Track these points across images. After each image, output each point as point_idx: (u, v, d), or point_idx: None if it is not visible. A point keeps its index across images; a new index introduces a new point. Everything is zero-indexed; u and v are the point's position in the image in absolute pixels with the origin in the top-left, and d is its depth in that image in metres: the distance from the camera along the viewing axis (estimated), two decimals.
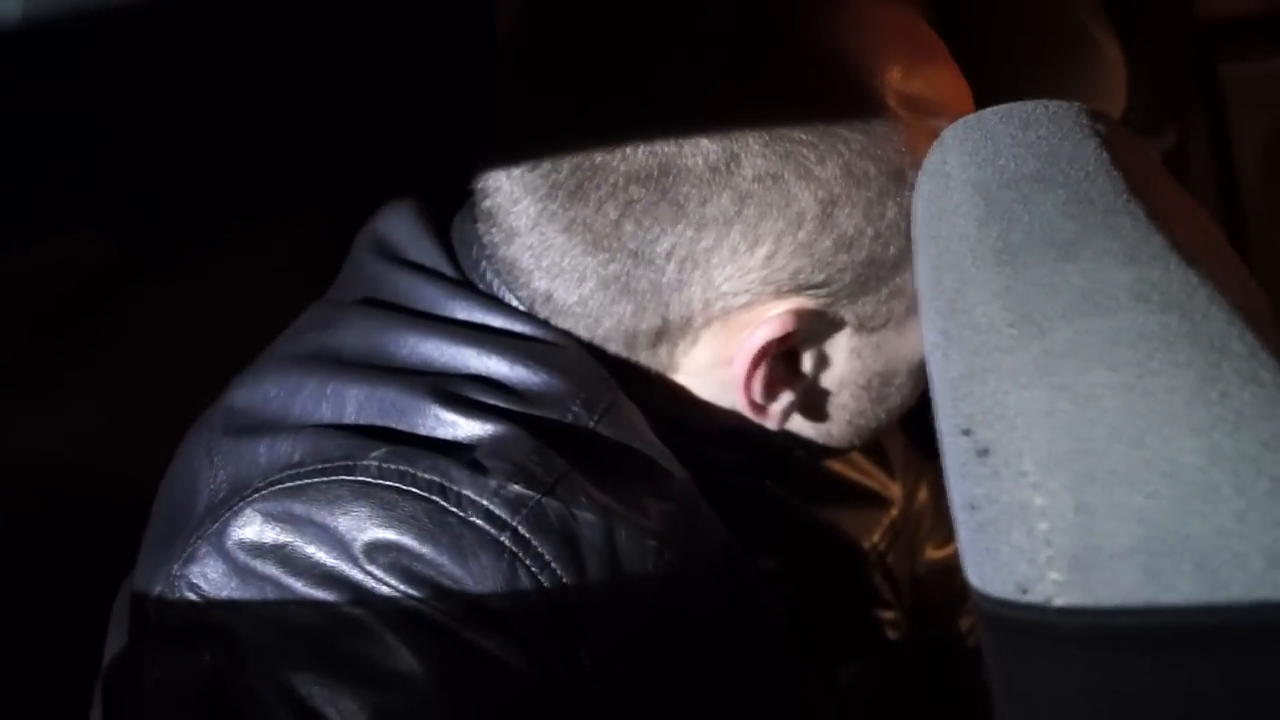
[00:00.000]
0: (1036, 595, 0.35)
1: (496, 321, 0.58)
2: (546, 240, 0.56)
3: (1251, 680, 0.34)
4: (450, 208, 0.65)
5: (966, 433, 0.38)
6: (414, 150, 1.08)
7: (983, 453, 0.37)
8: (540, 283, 0.57)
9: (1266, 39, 1.38)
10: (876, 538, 0.77)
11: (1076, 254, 0.37)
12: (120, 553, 0.65)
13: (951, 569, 0.86)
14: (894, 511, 0.79)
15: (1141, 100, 1.34)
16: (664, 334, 0.58)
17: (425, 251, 0.61)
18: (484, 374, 0.56)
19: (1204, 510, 0.33)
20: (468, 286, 0.60)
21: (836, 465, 0.75)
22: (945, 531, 0.89)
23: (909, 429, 0.81)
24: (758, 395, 0.59)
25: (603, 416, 0.55)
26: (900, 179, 0.55)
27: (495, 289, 0.59)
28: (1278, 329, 0.48)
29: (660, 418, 0.58)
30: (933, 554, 0.87)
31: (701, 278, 0.56)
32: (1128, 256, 0.36)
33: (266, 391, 0.59)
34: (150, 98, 0.83)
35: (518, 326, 0.58)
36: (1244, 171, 1.39)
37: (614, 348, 0.58)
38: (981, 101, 0.64)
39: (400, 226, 0.63)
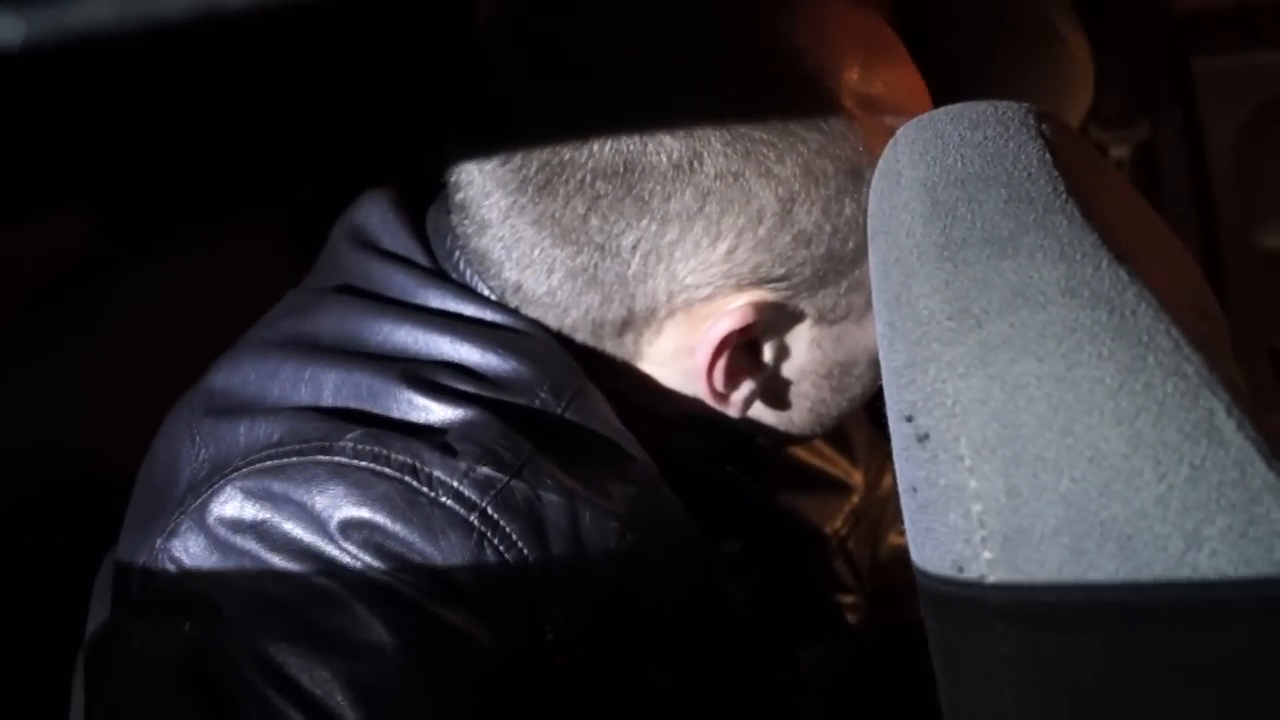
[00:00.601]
0: (971, 573, 0.37)
1: (468, 310, 0.60)
2: (517, 233, 0.58)
3: (1170, 653, 0.36)
4: (425, 198, 0.67)
5: (909, 419, 0.40)
6: (390, 138, 1.10)
7: (923, 438, 0.39)
8: (511, 273, 0.59)
9: (1238, 32, 1.40)
10: (838, 523, 0.79)
11: (1013, 251, 0.39)
12: (102, 528, 0.66)
13: None
14: (855, 498, 0.81)
15: (1114, 93, 1.36)
16: (629, 324, 0.60)
17: (400, 241, 0.63)
18: (455, 360, 0.58)
19: (1126, 494, 0.35)
20: (441, 276, 0.61)
21: (799, 452, 0.77)
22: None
23: (875, 418, 0.82)
24: (719, 384, 0.61)
25: (569, 403, 0.57)
26: (858, 177, 0.57)
27: (468, 279, 0.61)
28: (1223, 323, 0.50)
29: (626, 404, 0.60)
30: (896, 540, 0.89)
31: (665, 270, 0.58)
32: (1060, 254, 0.38)
33: (245, 374, 0.61)
34: (136, 86, 0.84)
35: (489, 315, 0.59)
36: (1215, 163, 1.41)
37: (581, 336, 0.60)
38: (948, 99, 0.66)
39: (376, 216, 0.65)
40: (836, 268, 0.59)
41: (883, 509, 0.88)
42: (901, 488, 0.41)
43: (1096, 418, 0.36)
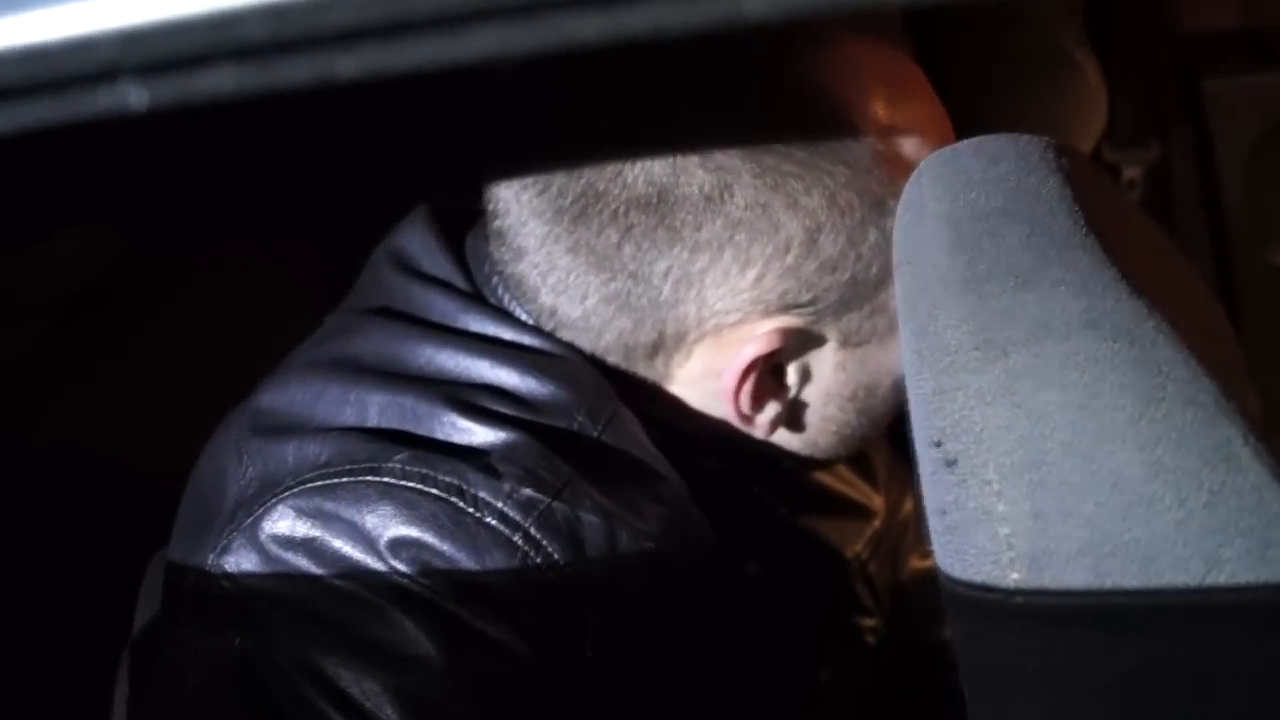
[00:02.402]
0: (1000, 592, 0.39)
1: (506, 334, 0.62)
2: (552, 260, 0.60)
3: (1192, 663, 0.38)
4: (463, 219, 0.69)
5: (937, 444, 0.41)
6: (425, 157, 1.11)
7: (951, 463, 0.40)
8: (546, 298, 0.61)
9: (1247, 53, 1.41)
10: (859, 547, 0.81)
11: (1035, 284, 0.41)
12: (134, 533, 0.68)
13: (934, 580, 0.90)
14: (877, 523, 0.83)
15: (1126, 114, 1.38)
16: (660, 347, 0.61)
17: (440, 265, 0.65)
18: (496, 384, 0.60)
19: (1147, 518, 0.37)
20: (479, 300, 0.63)
21: (822, 476, 0.78)
22: (929, 542, 0.91)
23: (895, 443, 0.84)
24: (745, 406, 0.63)
25: (605, 426, 0.59)
26: (881, 207, 0.59)
27: (505, 303, 0.63)
28: (1235, 344, 0.52)
29: (656, 425, 0.62)
30: (917, 564, 0.91)
31: (695, 297, 0.59)
32: (1081, 287, 0.40)
33: (292, 395, 0.63)
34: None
35: (526, 339, 0.61)
36: (1226, 183, 1.42)
37: (614, 359, 0.62)
38: (964, 123, 0.67)
39: (416, 240, 0.67)
40: (860, 293, 0.61)
41: (903, 533, 0.89)
42: (930, 509, 0.42)
43: (1118, 445, 0.37)
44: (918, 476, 0.45)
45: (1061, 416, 0.38)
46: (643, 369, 0.63)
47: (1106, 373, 0.38)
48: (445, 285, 0.64)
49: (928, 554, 0.90)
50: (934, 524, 0.41)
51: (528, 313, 0.62)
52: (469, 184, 0.65)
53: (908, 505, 0.89)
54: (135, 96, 0.26)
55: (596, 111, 0.60)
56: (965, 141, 0.52)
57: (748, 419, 0.64)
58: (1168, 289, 0.45)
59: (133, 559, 0.69)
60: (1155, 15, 1.32)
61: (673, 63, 0.59)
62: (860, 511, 0.82)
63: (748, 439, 0.65)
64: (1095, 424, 0.38)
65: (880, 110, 0.60)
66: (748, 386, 0.62)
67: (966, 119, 0.72)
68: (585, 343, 0.62)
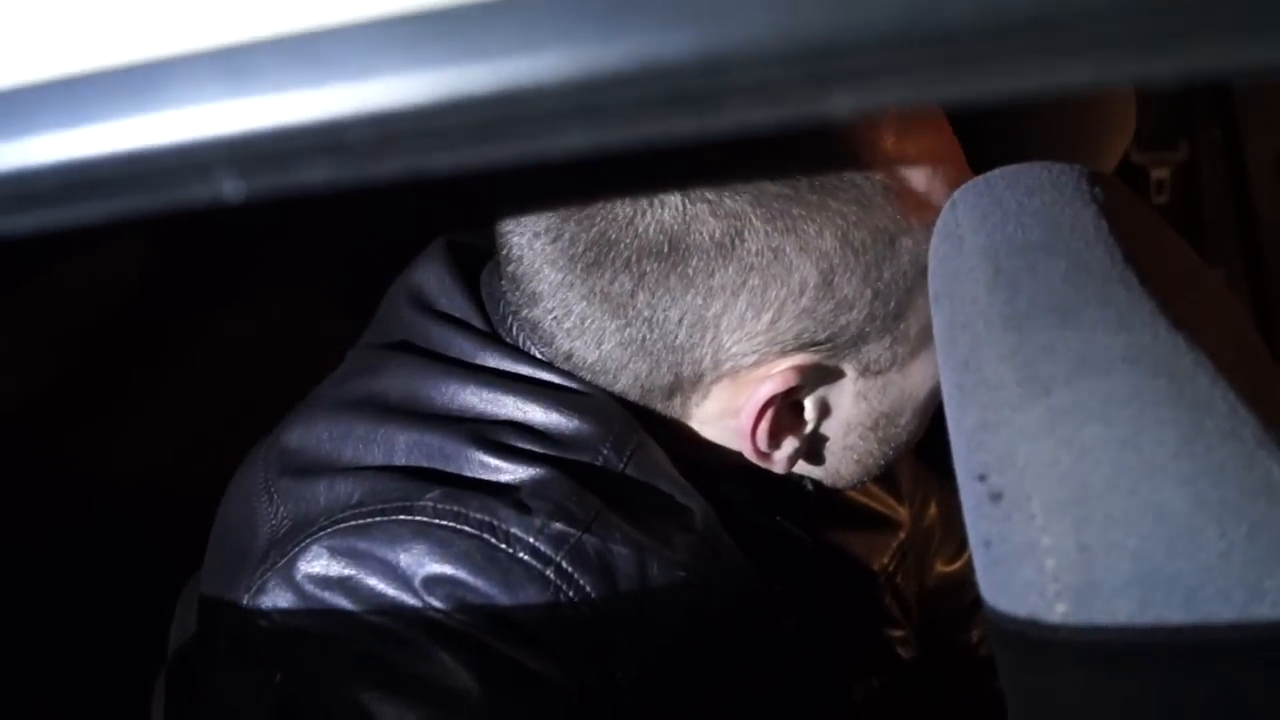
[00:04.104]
0: (1046, 624, 0.40)
1: (525, 370, 0.63)
2: (567, 306, 0.61)
3: (1236, 694, 0.38)
4: (481, 255, 0.69)
5: (982, 478, 0.42)
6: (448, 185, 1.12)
7: (996, 497, 0.41)
8: (563, 343, 0.62)
9: None
10: (886, 560, 0.81)
11: (1075, 320, 0.41)
12: (172, 556, 0.70)
13: (961, 583, 0.90)
14: (902, 534, 0.83)
15: (1154, 116, 1.38)
16: (677, 389, 0.62)
17: (457, 304, 0.66)
18: (520, 420, 0.61)
19: (1190, 550, 0.38)
20: (496, 339, 0.64)
21: (846, 492, 0.79)
22: (954, 546, 0.92)
23: (916, 450, 0.84)
24: (763, 444, 0.63)
25: (631, 458, 0.60)
26: (895, 244, 0.59)
27: (521, 343, 0.64)
28: (1270, 362, 0.52)
29: (676, 458, 0.63)
30: (943, 569, 0.91)
31: (711, 341, 0.60)
32: (1120, 323, 0.41)
33: (319, 434, 0.64)
34: None
35: (546, 375, 0.62)
36: (1256, 184, 1.41)
37: (631, 399, 0.63)
38: (993, 133, 0.67)
39: (434, 278, 0.67)
40: (879, 326, 0.61)
41: (928, 540, 0.90)
42: (974, 542, 0.43)
43: (1161, 479, 0.38)
44: (961, 504, 0.46)
45: (1104, 452, 0.39)
46: (661, 408, 0.63)
47: (1148, 408, 0.39)
48: (462, 324, 0.65)
49: (953, 558, 0.91)
50: (979, 557, 0.42)
51: (543, 354, 0.63)
52: (488, 217, 0.66)
53: (932, 511, 0.90)
54: (231, 189, 0.27)
55: (605, 161, 0.60)
56: (999, 171, 0.52)
57: (765, 456, 0.64)
58: (1203, 314, 0.46)
59: (167, 582, 0.71)
60: None
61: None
62: (886, 524, 0.83)
63: (769, 470, 0.66)
64: (1138, 459, 0.38)
65: (890, 144, 0.59)
66: (764, 425, 0.62)
67: (995, 129, 0.72)
68: (602, 384, 0.62)
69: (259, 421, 0.69)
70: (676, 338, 0.60)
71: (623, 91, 0.24)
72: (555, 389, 0.62)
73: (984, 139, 0.68)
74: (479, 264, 0.69)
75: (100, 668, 0.81)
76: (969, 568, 0.92)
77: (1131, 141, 1.35)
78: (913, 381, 0.65)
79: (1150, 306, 0.41)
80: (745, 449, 0.64)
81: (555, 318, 0.61)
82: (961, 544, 0.92)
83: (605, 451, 0.60)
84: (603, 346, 0.61)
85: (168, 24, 0.26)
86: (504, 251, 0.63)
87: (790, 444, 0.64)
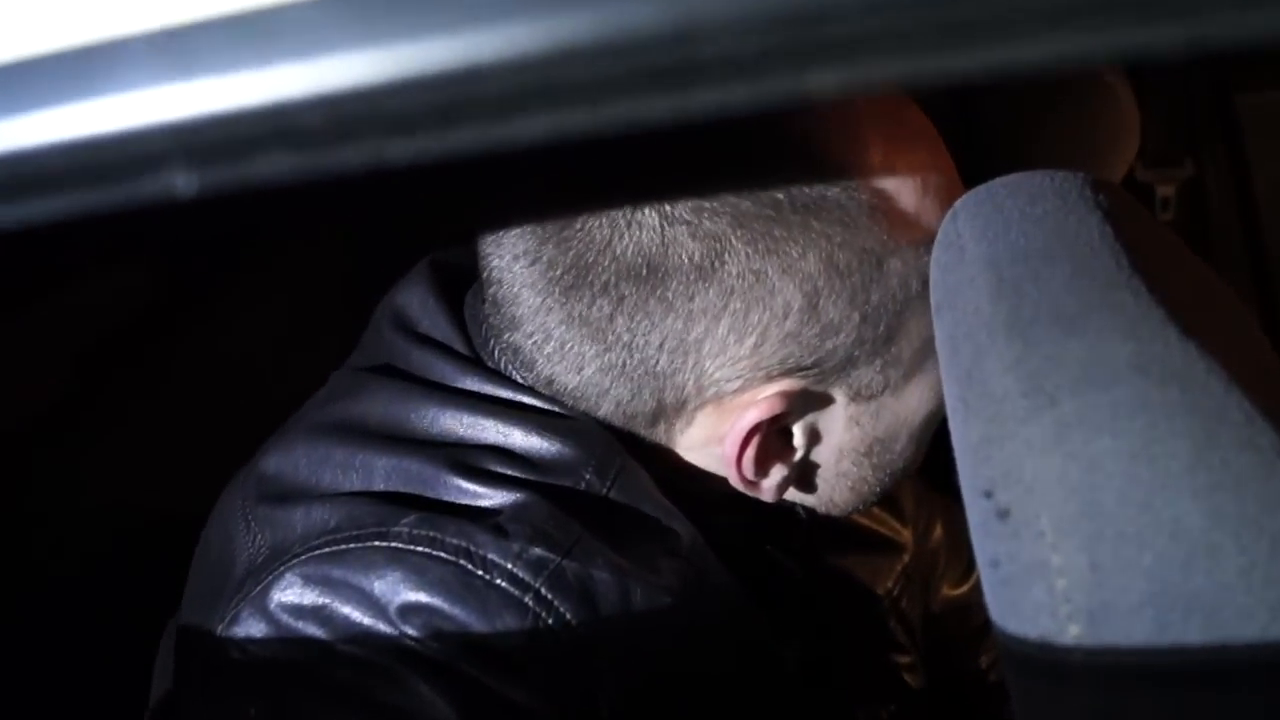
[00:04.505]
0: (1058, 646, 0.38)
1: (506, 394, 0.61)
2: (547, 331, 0.59)
3: (1258, 714, 0.36)
4: (465, 276, 0.68)
5: (988, 495, 0.40)
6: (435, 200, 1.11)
7: (1003, 514, 0.40)
8: (544, 368, 0.60)
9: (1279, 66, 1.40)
10: (889, 583, 0.79)
11: (1082, 328, 0.40)
12: (167, 587, 0.68)
13: (968, 607, 0.88)
14: (906, 557, 0.81)
15: (1158, 132, 1.36)
16: (660, 415, 0.60)
17: (438, 326, 0.65)
18: (501, 445, 0.59)
19: (1208, 568, 0.36)
20: (477, 363, 0.63)
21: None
22: (961, 568, 0.90)
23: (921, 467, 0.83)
24: (749, 472, 0.62)
25: (614, 482, 0.58)
26: (882, 266, 0.58)
27: (503, 367, 0.62)
28: None
29: (661, 485, 0.61)
30: (949, 592, 0.89)
31: (693, 366, 0.58)
32: (1128, 331, 0.39)
33: (297, 460, 0.62)
34: None
35: (527, 399, 0.61)
36: (1262, 199, 1.40)
37: (615, 425, 0.61)
38: (997, 151, 0.66)
39: (416, 300, 0.66)
40: (869, 350, 0.60)
41: (933, 563, 0.88)
42: (981, 562, 0.41)
43: (1174, 493, 0.36)
44: (968, 522, 0.44)
45: (1115, 465, 0.37)
46: (645, 435, 0.62)
47: (1160, 419, 0.37)
48: (444, 348, 0.63)
49: (959, 581, 0.89)
50: (986, 577, 0.40)
51: (524, 379, 0.62)
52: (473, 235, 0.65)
53: (937, 532, 0.88)
54: (184, 183, 0.26)
55: (583, 183, 0.58)
56: (1000, 180, 0.51)
57: (752, 484, 0.62)
58: (1214, 323, 0.44)
59: (165, 606, 0.70)
60: None
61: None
62: (888, 546, 0.81)
63: (758, 498, 0.64)
64: (1151, 472, 0.37)
65: (878, 161, 0.58)
66: (750, 452, 0.61)
67: (999, 146, 0.71)
68: (585, 410, 0.61)
69: (256, 444, 0.68)
70: (657, 363, 0.58)
71: (587, 67, 0.23)
72: (537, 412, 0.60)
73: (984, 154, 0.66)
74: (464, 284, 0.68)
75: (92, 694, 0.80)
76: (977, 591, 0.90)
77: (1136, 158, 1.34)
78: (908, 406, 0.63)
79: (1159, 314, 0.40)
80: (731, 477, 0.63)
81: (535, 342, 0.60)
82: (969, 566, 0.90)
83: (588, 475, 0.59)
84: (583, 372, 0.59)
85: (105, 5, 0.24)
86: (485, 274, 0.61)
87: (779, 472, 0.63)
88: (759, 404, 0.59)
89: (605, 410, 0.60)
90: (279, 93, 0.24)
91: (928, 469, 0.68)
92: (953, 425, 0.45)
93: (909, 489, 0.86)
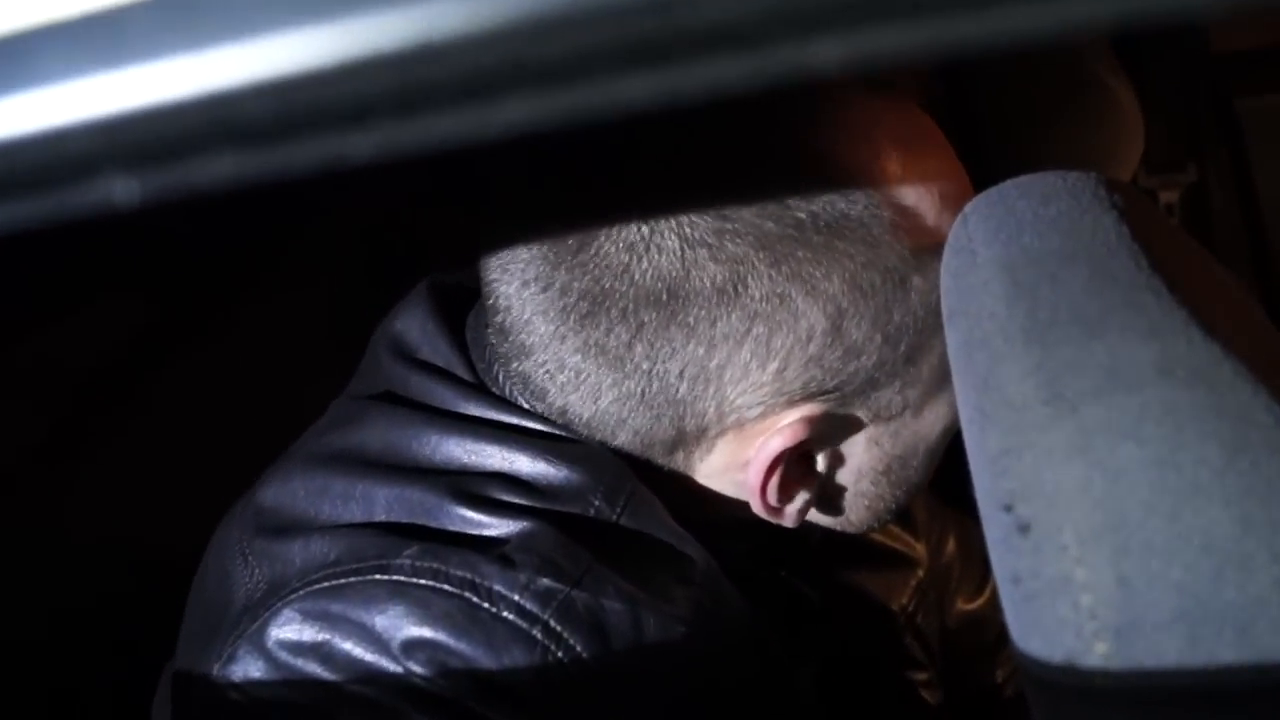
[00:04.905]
0: (1084, 666, 0.36)
1: (511, 419, 0.59)
2: (560, 360, 0.57)
3: None
4: (465, 298, 0.66)
5: (1008, 509, 0.39)
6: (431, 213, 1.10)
7: (1024, 528, 0.38)
8: (556, 398, 0.58)
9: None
10: (905, 599, 0.78)
11: (1102, 330, 0.38)
12: (165, 626, 0.67)
13: (983, 621, 0.87)
14: (920, 572, 0.80)
15: (1160, 139, 1.36)
16: (680, 443, 0.59)
17: (439, 351, 0.63)
18: (507, 472, 0.57)
19: (1241, 579, 0.34)
20: (480, 389, 0.61)
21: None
22: (974, 582, 0.89)
23: (932, 484, 0.82)
24: (773, 500, 0.60)
25: (624, 508, 0.57)
26: (905, 285, 0.56)
27: (508, 393, 0.61)
28: None
29: (672, 510, 0.59)
30: (964, 606, 0.88)
31: (715, 393, 0.57)
32: (1150, 332, 0.38)
33: (295, 491, 0.60)
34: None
35: (533, 424, 0.59)
36: (1266, 203, 1.40)
37: (632, 454, 0.59)
38: (1002, 157, 0.64)
39: (415, 326, 0.64)
40: (890, 371, 0.58)
41: (947, 578, 0.86)
42: (1001, 577, 0.40)
43: (1204, 501, 0.35)
44: (985, 538, 0.42)
45: (1141, 473, 0.35)
46: (661, 462, 0.60)
47: (1186, 423, 0.36)
48: (444, 373, 0.62)
49: (973, 595, 0.88)
50: (1007, 594, 0.39)
51: (534, 407, 0.60)
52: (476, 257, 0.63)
53: (950, 547, 0.87)
54: (122, 190, 0.24)
55: (598, 205, 0.57)
56: (1011, 181, 0.49)
57: (776, 511, 0.61)
58: (1234, 323, 0.43)
59: (162, 644, 0.68)
60: (1185, 37, 1.30)
61: (676, 148, 0.56)
62: (903, 562, 0.80)
63: (777, 523, 0.63)
64: (1178, 480, 0.35)
65: (897, 177, 0.56)
66: (774, 480, 0.59)
67: (1003, 152, 0.69)
68: (599, 439, 0.59)
69: (254, 476, 0.67)
70: (678, 391, 0.57)
71: (563, 40, 0.21)
72: (543, 437, 0.59)
73: (989, 161, 0.65)
74: (464, 306, 0.66)
75: None
76: (991, 605, 0.89)
77: (1140, 165, 1.33)
78: (925, 423, 0.62)
79: (1182, 314, 0.38)
80: (755, 505, 0.61)
81: (548, 371, 0.58)
82: (982, 580, 0.89)
83: (596, 502, 0.57)
84: (599, 402, 0.58)
85: None
86: (490, 300, 0.60)
87: (801, 497, 0.61)
88: (782, 431, 0.58)
89: (622, 439, 0.59)
90: (218, 80, 0.22)
91: (939, 483, 0.67)
92: (968, 436, 0.43)
93: (921, 503, 0.84)
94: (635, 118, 0.55)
